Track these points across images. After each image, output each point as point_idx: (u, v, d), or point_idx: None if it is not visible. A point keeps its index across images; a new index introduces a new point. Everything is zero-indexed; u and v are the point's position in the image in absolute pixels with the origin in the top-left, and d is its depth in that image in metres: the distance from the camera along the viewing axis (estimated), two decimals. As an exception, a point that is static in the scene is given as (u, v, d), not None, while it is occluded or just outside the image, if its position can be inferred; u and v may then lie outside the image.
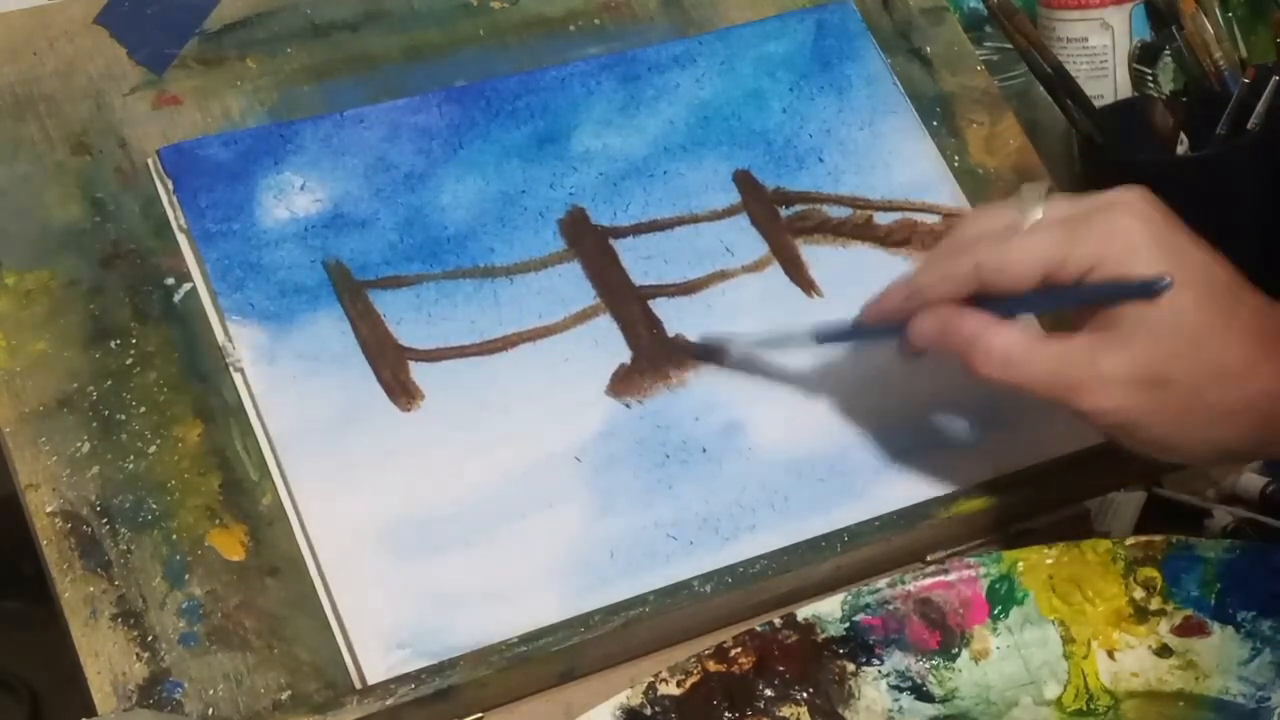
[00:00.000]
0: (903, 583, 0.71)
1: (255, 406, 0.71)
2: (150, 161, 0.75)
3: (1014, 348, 0.67)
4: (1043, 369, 0.67)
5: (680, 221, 0.80)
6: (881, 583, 0.71)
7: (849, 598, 0.70)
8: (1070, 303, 0.68)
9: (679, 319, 0.78)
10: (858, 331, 0.73)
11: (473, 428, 0.73)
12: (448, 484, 0.71)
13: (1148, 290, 0.64)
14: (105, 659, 0.66)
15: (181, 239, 0.74)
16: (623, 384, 0.75)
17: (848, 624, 0.70)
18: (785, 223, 0.81)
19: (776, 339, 0.76)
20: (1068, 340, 0.67)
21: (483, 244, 0.77)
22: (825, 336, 0.74)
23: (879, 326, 0.72)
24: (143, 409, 0.70)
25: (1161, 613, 0.70)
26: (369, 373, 0.73)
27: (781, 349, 0.76)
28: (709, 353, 0.76)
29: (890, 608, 0.71)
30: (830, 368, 0.77)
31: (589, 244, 0.79)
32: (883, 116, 0.85)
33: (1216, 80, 0.95)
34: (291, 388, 0.72)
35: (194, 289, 0.73)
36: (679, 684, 0.68)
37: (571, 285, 0.77)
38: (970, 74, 0.89)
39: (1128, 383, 0.65)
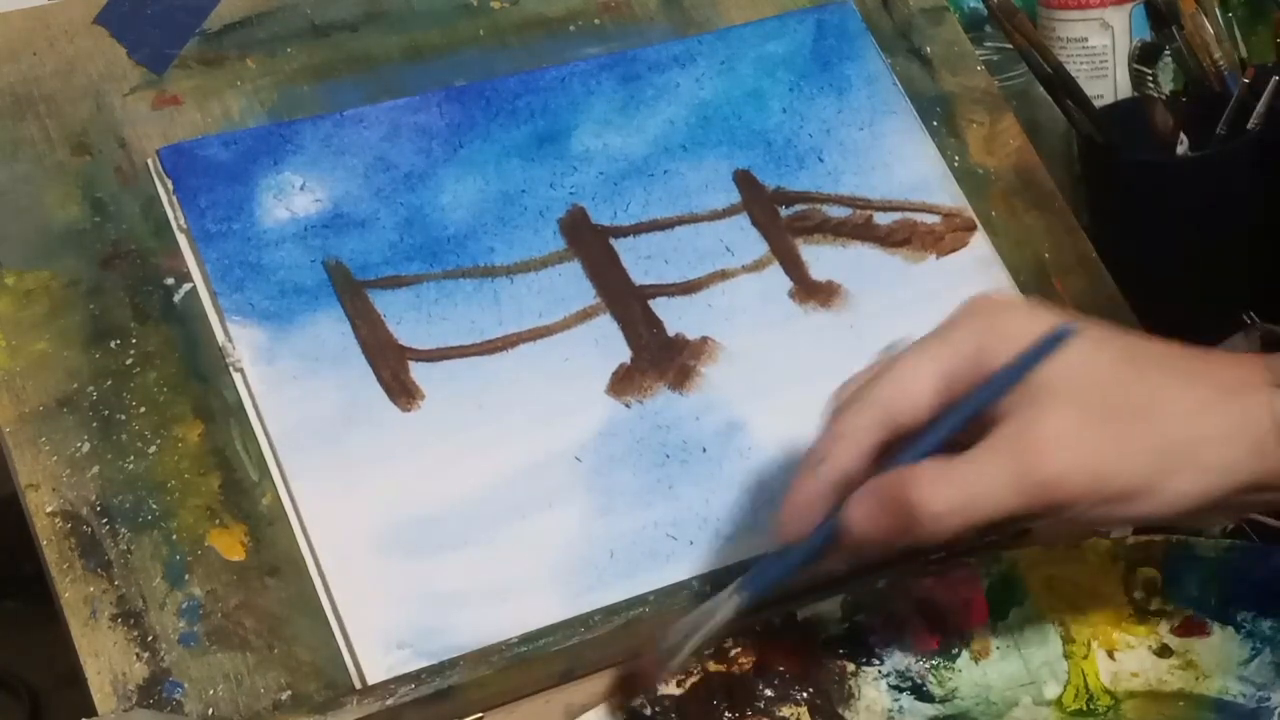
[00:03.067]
0: (902, 583, 0.71)
1: (255, 406, 0.71)
2: (150, 161, 0.75)
3: (954, 478, 0.60)
4: (995, 478, 0.60)
5: (680, 221, 0.80)
6: (881, 583, 0.71)
7: (849, 598, 0.70)
8: (985, 401, 0.61)
9: (679, 319, 0.78)
10: (787, 560, 0.63)
11: (473, 428, 0.73)
12: (448, 484, 0.71)
13: (1060, 338, 0.61)
14: (105, 659, 0.66)
15: (181, 239, 0.74)
16: (623, 384, 0.75)
17: (848, 624, 0.70)
18: (785, 223, 0.81)
19: (705, 614, 0.64)
20: (993, 442, 0.60)
21: (483, 244, 0.77)
22: (756, 584, 0.63)
23: (807, 543, 0.63)
24: (143, 409, 0.70)
25: (1161, 613, 0.70)
26: (369, 373, 0.73)
27: (715, 623, 0.64)
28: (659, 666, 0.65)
29: (890, 608, 0.71)
30: (831, 368, 0.77)
31: (589, 244, 0.79)
32: (883, 116, 0.85)
33: (1216, 80, 0.95)
34: (291, 388, 0.72)
35: (194, 289, 0.73)
36: (679, 684, 0.68)
37: (571, 285, 0.77)
38: (970, 74, 0.89)
39: (1075, 431, 0.60)
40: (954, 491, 0.60)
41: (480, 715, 0.69)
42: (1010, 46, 0.95)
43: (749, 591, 0.63)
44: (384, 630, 0.68)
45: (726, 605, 0.63)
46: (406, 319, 0.75)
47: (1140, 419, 0.61)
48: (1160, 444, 0.61)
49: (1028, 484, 0.60)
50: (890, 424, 0.62)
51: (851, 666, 0.69)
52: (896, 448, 0.62)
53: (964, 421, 0.62)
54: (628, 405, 0.75)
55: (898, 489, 0.60)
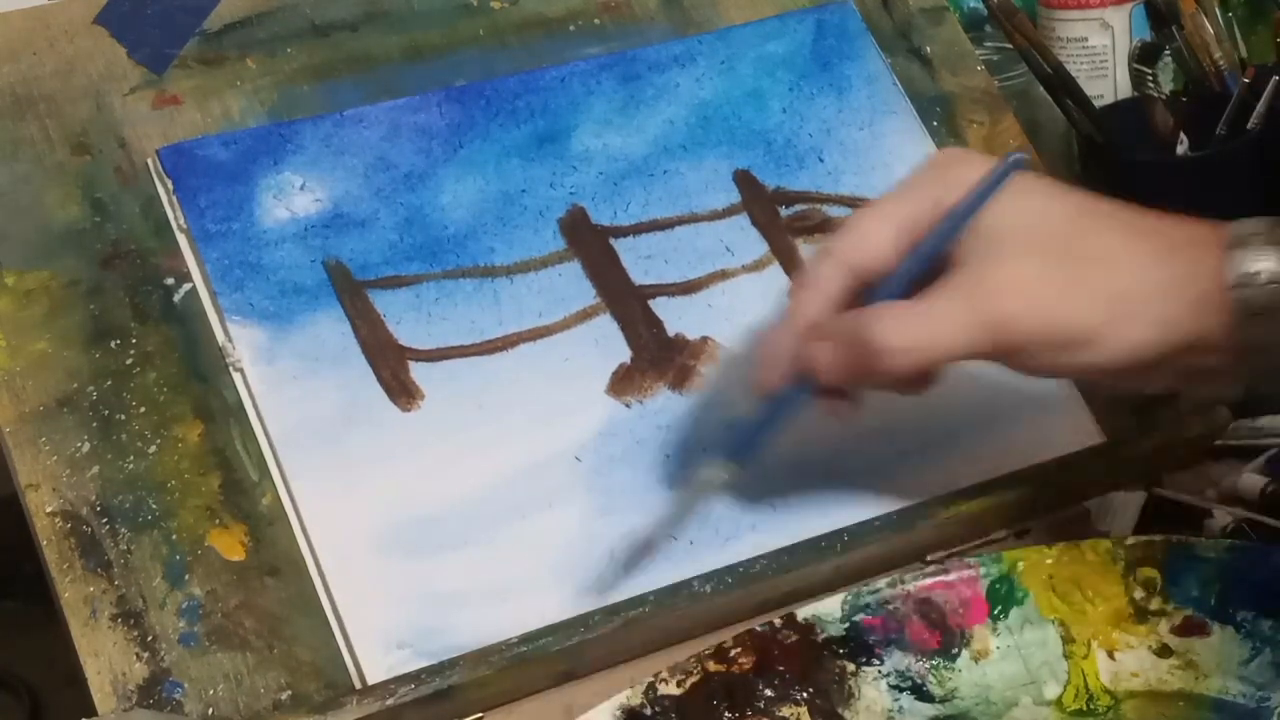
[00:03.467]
0: (903, 583, 0.71)
1: (255, 406, 0.71)
2: (150, 161, 0.75)
3: (910, 317, 0.64)
4: (950, 317, 0.63)
5: (680, 221, 0.80)
6: (881, 583, 0.71)
7: (849, 598, 0.70)
8: (941, 240, 0.64)
9: (679, 319, 0.78)
10: (770, 419, 0.67)
11: (473, 428, 0.73)
12: (448, 484, 0.71)
13: (1015, 167, 0.64)
14: (105, 659, 0.66)
15: (181, 239, 0.74)
16: (623, 384, 0.75)
17: (848, 624, 0.70)
18: (785, 223, 0.81)
19: (690, 496, 0.70)
20: (950, 283, 0.64)
21: (483, 243, 0.77)
22: (741, 452, 0.68)
23: (783, 394, 0.67)
24: (143, 409, 0.70)
25: (1161, 613, 0.70)
26: (369, 373, 0.73)
27: (700, 498, 0.70)
28: (636, 560, 0.71)
29: (890, 608, 0.71)
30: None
31: (589, 243, 0.79)
32: (883, 116, 0.85)
33: (1216, 80, 0.95)
34: (291, 388, 0.72)
35: (194, 289, 0.73)
36: (679, 684, 0.68)
37: (571, 285, 0.77)
38: (970, 74, 0.89)
39: (1029, 276, 0.63)
40: (910, 329, 0.64)
41: (480, 715, 0.69)
42: (1010, 46, 0.95)
43: (737, 460, 0.68)
44: (384, 630, 0.68)
45: (715, 479, 0.68)
46: (406, 319, 0.75)
47: (1091, 267, 0.63)
48: (1110, 291, 0.63)
49: (981, 324, 0.63)
50: (853, 273, 0.65)
51: (851, 666, 0.69)
52: (862, 298, 0.65)
53: (923, 263, 0.65)
54: (628, 405, 0.75)
55: (857, 328, 0.64)
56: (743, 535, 0.73)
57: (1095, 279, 0.63)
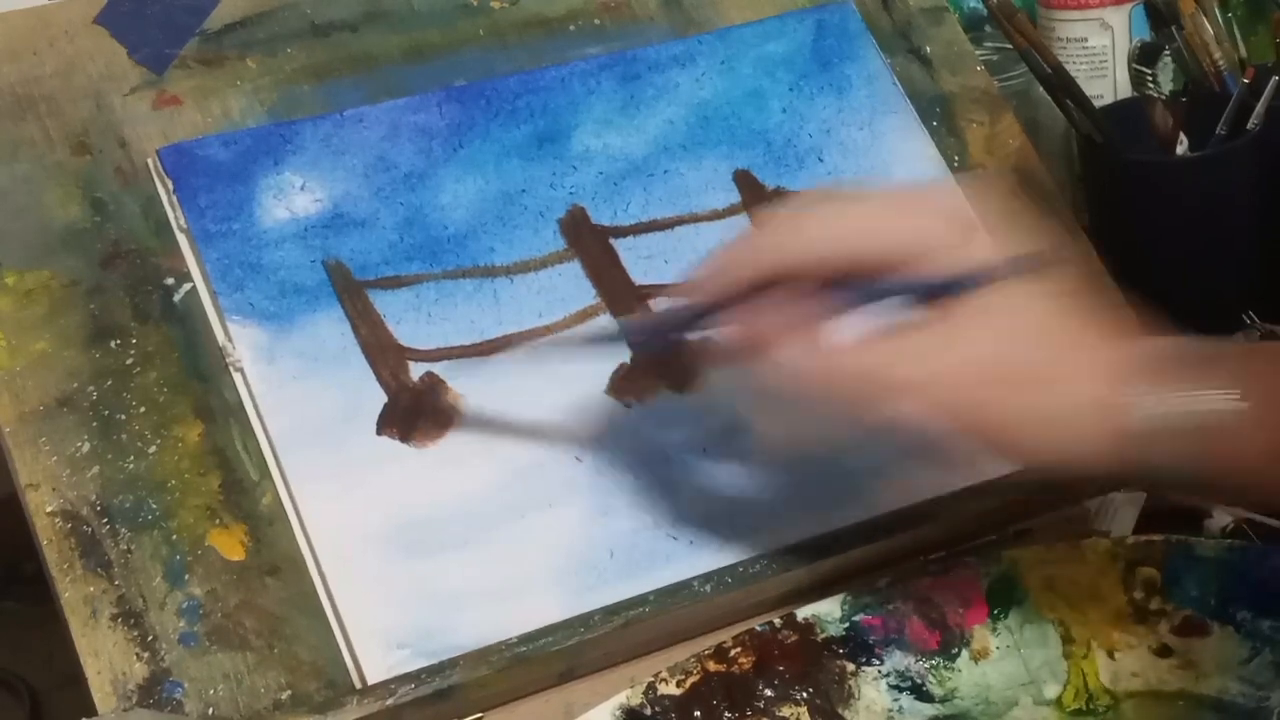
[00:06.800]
0: (902, 583, 0.71)
1: (255, 406, 0.71)
2: (150, 161, 0.75)
3: (847, 342, 0.62)
4: (877, 361, 0.62)
5: (680, 221, 0.80)
6: (881, 583, 0.71)
7: (849, 598, 0.70)
8: (927, 290, 0.62)
9: (679, 319, 0.77)
10: (671, 322, 0.68)
11: (473, 428, 0.73)
12: (448, 484, 0.71)
13: (1023, 265, 0.61)
14: (105, 659, 0.66)
15: (181, 239, 0.74)
16: (623, 384, 0.75)
17: (848, 624, 0.70)
18: (785, 223, 0.81)
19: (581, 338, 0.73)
20: (904, 334, 0.62)
21: (483, 243, 0.77)
22: (639, 333, 0.71)
23: (695, 310, 0.65)
24: (143, 409, 0.70)
25: (1161, 613, 0.70)
26: (369, 373, 0.73)
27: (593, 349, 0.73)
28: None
29: (890, 608, 0.71)
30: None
31: (589, 243, 0.79)
32: (883, 116, 0.85)
33: (1216, 80, 0.95)
34: (291, 388, 0.72)
35: (194, 289, 0.73)
36: (679, 684, 0.68)
37: (571, 285, 0.77)
38: (970, 74, 0.89)
39: (973, 372, 0.61)
40: (849, 363, 0.62)
41: (480, 715, 0.69)
42: (1010, 46, 0.95)
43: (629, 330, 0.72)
44: (384, 630, 0.68)
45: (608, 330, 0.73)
46: (406, 319, 0.75)
47: (1025, 391, 0.61)
48: (1028, 419, 0.61)
49: (908, 401, 0.62)
50: (800, 261, 0.63)
51: (851, 666, 0.69)
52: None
53: (897, 292, 0.62)
54: (628, 405, 0.75)
55: (799, 319, 0.62)
56: (743, 535, 0.73)
57: (1022, 405, 0.61)
